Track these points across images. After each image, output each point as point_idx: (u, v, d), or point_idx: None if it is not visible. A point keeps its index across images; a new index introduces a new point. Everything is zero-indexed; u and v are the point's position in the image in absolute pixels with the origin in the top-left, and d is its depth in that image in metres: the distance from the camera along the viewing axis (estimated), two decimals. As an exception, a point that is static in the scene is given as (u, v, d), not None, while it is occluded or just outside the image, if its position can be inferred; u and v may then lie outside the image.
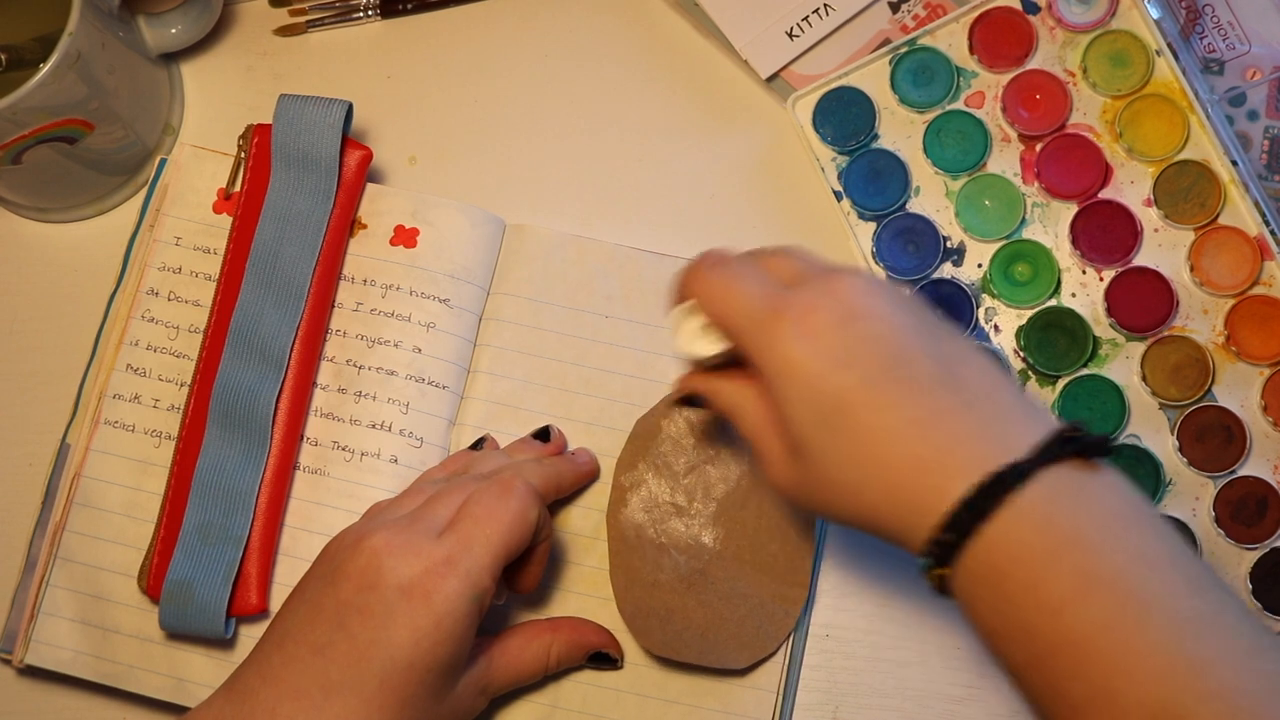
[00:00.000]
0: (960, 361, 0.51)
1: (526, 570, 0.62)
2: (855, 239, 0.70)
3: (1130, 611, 0.45)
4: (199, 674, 0.65)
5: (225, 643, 0.65)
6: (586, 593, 0.66)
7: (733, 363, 0.55)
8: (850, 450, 0.50)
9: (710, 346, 0.55)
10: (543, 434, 0.67)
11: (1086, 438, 0.48)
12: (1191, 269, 0.68)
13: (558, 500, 0.66)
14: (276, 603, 0.65)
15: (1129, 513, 0.48)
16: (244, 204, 0.69)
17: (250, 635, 0.65)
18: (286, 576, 0.65)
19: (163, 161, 0.71)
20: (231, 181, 0.70)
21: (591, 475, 0.67)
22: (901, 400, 0.49)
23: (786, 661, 0.65)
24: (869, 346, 0.50)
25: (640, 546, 0.64)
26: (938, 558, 0.48)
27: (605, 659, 0.64)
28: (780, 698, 0.64)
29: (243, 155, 0.70)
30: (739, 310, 0.53)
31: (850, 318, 0.50)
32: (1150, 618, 0.45)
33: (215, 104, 0.75)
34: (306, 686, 0.55)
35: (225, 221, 0.70)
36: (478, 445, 0.67)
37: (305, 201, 0.68)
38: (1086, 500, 0.47)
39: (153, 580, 0.64)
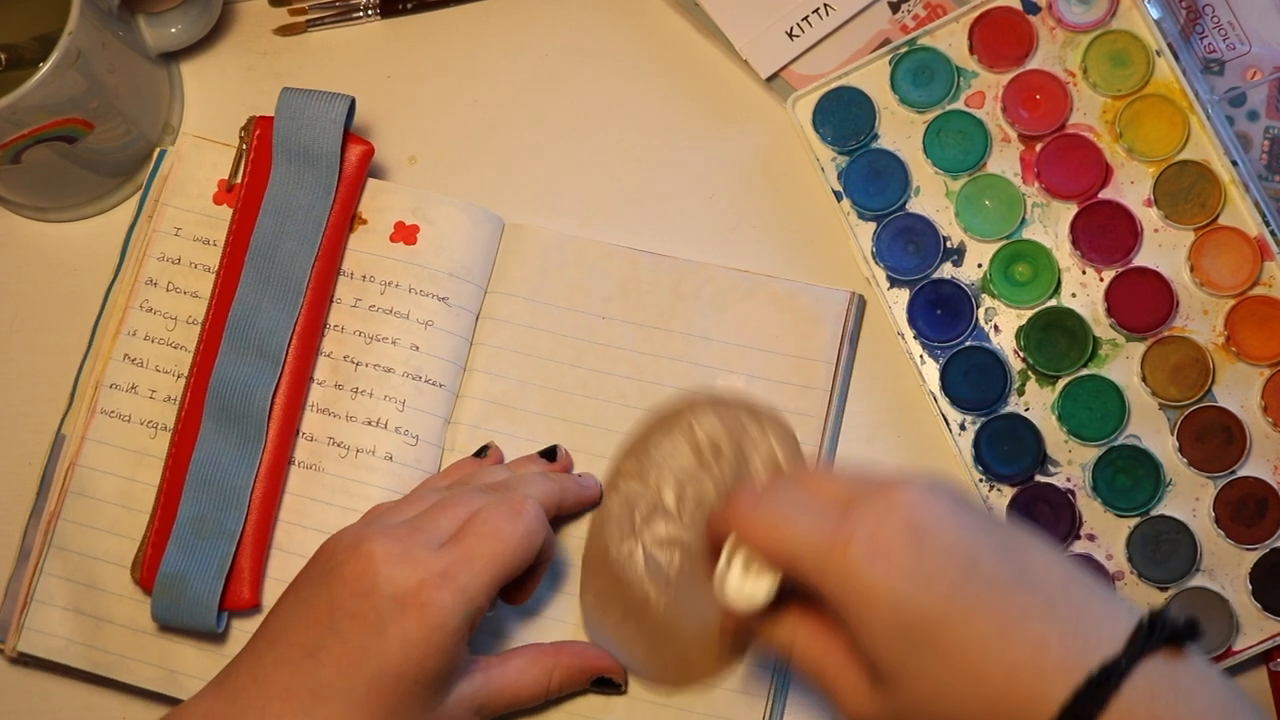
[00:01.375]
0: (1030, 556, 0.50)
1: (523, 586, 0.62)
2: (855, 239, 0.70)
3: None
4: (190, 666, 0.64)
5: (217, 636, 0.65)
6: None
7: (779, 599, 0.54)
8: (941, 669, 0.49)
9: (761, 589, 0.54)
10: (549, 454, 0.67)
11: (1175, 624, 0.48)
12: (1192, 269, 0.68)
13: (557, 520, 0.65)
14: (269, 598, 0.65)
15: (1225, 704, 0.47)
16: (244, 197, 0.69)
17: (242, 629, 0.65)
18: (280, 571, 0.65)
19: (162, 152, 0.71)
20: (233, 173, 0.70)
21: (594, 499, 0.66)
22: (985, 609, 0.48)
23: (778, 665, 0.65)
24: (943, 559, 0.49)
25: (610, 562, 0.64)
26: None
27: (609, 683, 0.64)
28: (770, 703, 0.64)
29: (244, 147, 0.70)
30: (800, 546, 0.51)
31: (919, 532, 0.49)
32: None
33: (215, 103, 0.75)
34: (296, 688, 0.55)
35: (225, 213, 0.70)
36: (481, 453, 0.67)
37: (306, 195, 0.68)
38: (1186, 696, 0.47)
39: (146, 572, 0.64)
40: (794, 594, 0.53)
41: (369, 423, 0.67)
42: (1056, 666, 0.47)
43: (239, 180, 0.69)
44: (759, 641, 0.55)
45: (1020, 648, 0.48)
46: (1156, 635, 0.47)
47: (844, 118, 0.71)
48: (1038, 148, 0.70)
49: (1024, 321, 0.69)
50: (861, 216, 0.70)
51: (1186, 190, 0.69)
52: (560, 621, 0.65)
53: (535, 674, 0.62)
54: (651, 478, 0.64)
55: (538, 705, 0.63)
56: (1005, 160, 0.70)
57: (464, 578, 0.56)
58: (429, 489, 0.64)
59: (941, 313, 0.69)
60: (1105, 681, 0.46)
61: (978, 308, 0.69)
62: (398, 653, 0.55)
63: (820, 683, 0.53)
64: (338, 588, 0.56)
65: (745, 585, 0.54)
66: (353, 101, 0.69)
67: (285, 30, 0.76)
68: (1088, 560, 0.66)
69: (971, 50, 0.71)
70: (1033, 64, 0.71)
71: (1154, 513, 0.66)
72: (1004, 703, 0.48)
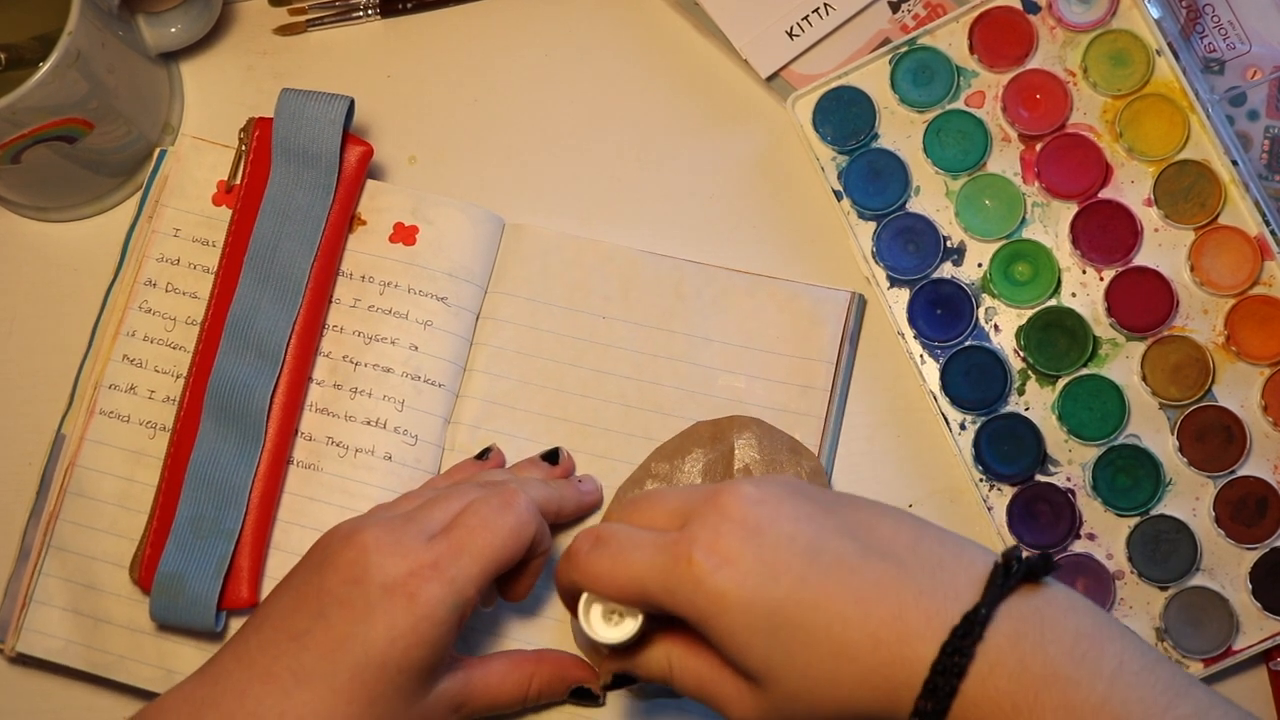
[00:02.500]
0: (874, 526, 0.51)
1: (518, 581, 0.62)
2: (855, 239, 0.70)
3: None
4: (190, 666, 0.64)
5: (216, 635, 0.65)
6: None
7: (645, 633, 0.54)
8: (808, 656, 0.49)
9: (625, 628, 0.53)
10: (551, 456, 0.67)
11: (1029, 561, 0.48)
12: (1192, 269, 0.68)
13: (556, 525, 0.65)
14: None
15: (1092, 630, 0.48)
16: (243, 197, 0.69)
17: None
18: (278, 570, 0.65)
19: (162, 153, 0.71)
20: (233, 174, 0.70)
21: (595, 505, 0.66)
22: (838, 587, 0.49)
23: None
24: (786, 550, 0.50)
25: None
26: None
27: (587, 695, 0.64)
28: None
29: (243, 149, 0.70)
30: (644, 578, 0.51)
31: (755, 530, 0.50)
32: None
33: (215, 103, 0.75)
34: (279, 671, 0.54)
35: (225, 214, 0.70)
36: (483, 455, 0.67)
37: (305, 196, 0.68)
38: (1051, 630, 0.47)
39: (144, 571, 0.64)
40: (660, 619, 0.53)
41: (368, 422, 0.67)
42: (920, 627, 0.48)
43: (238, 181, 0.69)
44: (638, 673, 0.55)
45: (879, 616, 0.48)
46: (1012, 576, 0.48)
47: (844, 117, 0.71)
48: (1038, 147, 0.70)
49: (1024, 321, 0.69)
50: (861, 216, 0.70)
51: (1186, 190, 0.69)
52: (558, 620, 0.65)
53: (515, 679, 0.62)
54: (677, 482, 0.64)
55: (515, 711, 0.63)
56: (1005, 160, 0.70)
57: (453, 569, 0.56)
58: (429, 487, 0.64)
59: (941, 312, 0.69)
60: (969, 631, 0.47)
61: (978, 307, 0.69)
62: (383, 641, 0.54)
63: (705, 698, 0.53)
64: (329, 574, 0.56)
65: (609, 629, 0.53)
66: (352, 102, 0.69)
67: (285, 30, 0.76)
68: (1088, 560, 0.66)
69: (971, 50, 0.71)
70: (1033, 63, 0.71)
71: (1154, 512, 0.66)
72: (875, 674, 0.48)
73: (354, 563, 0.56)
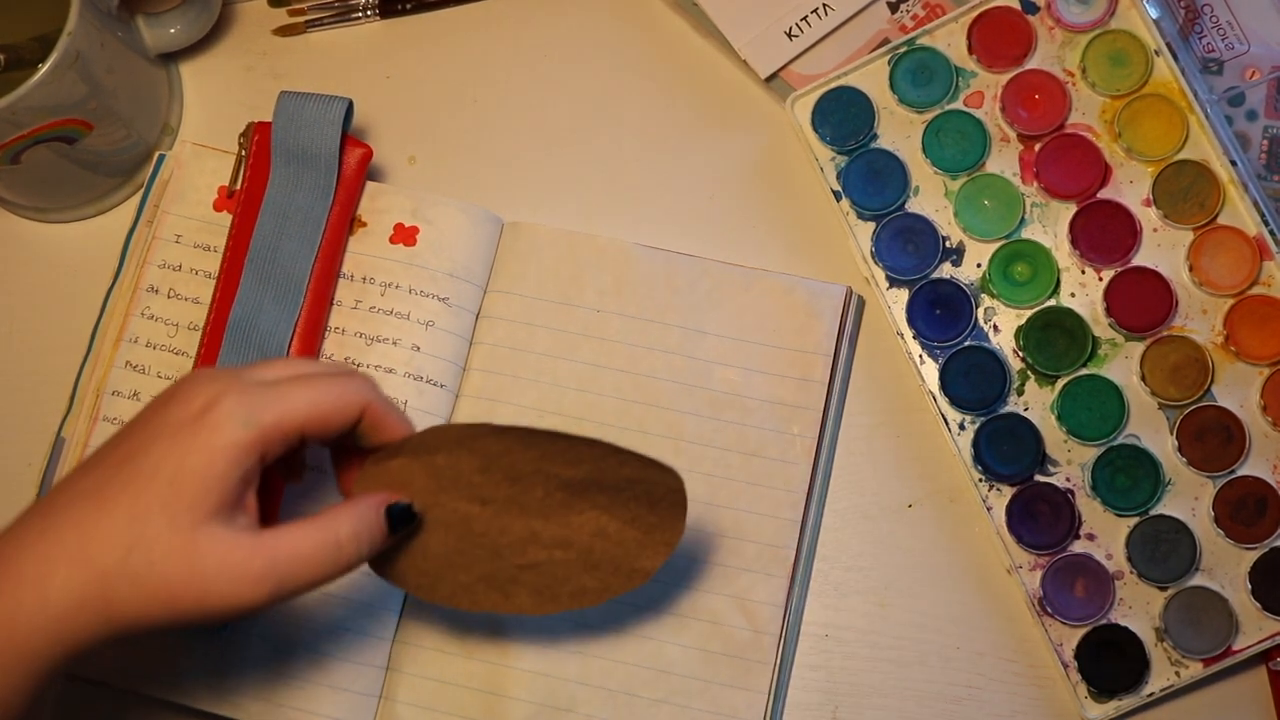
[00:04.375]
0: None
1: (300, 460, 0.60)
2: (854, 239, 0.70)
3: None
4: (191, 668, 0.64)
5: (217, 637, 0.65)
6: None
7: None
8: None
9: None
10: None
11: None
12: (1190, 269, 0.68)
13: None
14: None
15: None
16: (244, 201, 0.69)
17: (243, 629, 0.65)
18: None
19: (161, 157, 0.71)
20: (234, 179, 0.70)
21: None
22: None
23: (777, 663, 0.65)
24: None
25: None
26: None
27: (406, 514, 0.58)
28: (771, 698, 0.64)
29: (243, 153, 0.70)
30: None
31: None
32: None
33: (214, 104, 0.75)
34: (55, 497, 0.53)
35: (226, 219, 0.70)
36: None
37: (305, 198, 0.68)
38: None
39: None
40: None
41: (370, 424, 0.67)
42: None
43: (239, 186, 0.69)
44: None
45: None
46: None
47: (843, 118, 0.71)
48: (1037, 147, 0.70)
49: (1023, 321, 0.69)
50: (860, 216, 0.70)
51: (1185, 190, 0.69)
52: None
53: (317, 527, 0.54)
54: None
55: (335, 573, 0.55)
56: (1004, 160, 0.70)
57: (255, 395, 0.53)
58: None
59: (941, 312, 0.69)
60: None
61: (977, 307, 0.69)
62: (162, 453, 0.52)
63: None
64: (138, 415, 0.55)
65: None
66: (350, 104, 0.69)
67: (284, 31, 0.76)
68: (1087, 560, 0.66)
69: (970, 50, 0.71)
70: (1031, 64, 0.71)
71: (1153, 512, 0.67)
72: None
73: (153, 403, 0.54)
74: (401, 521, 0.58)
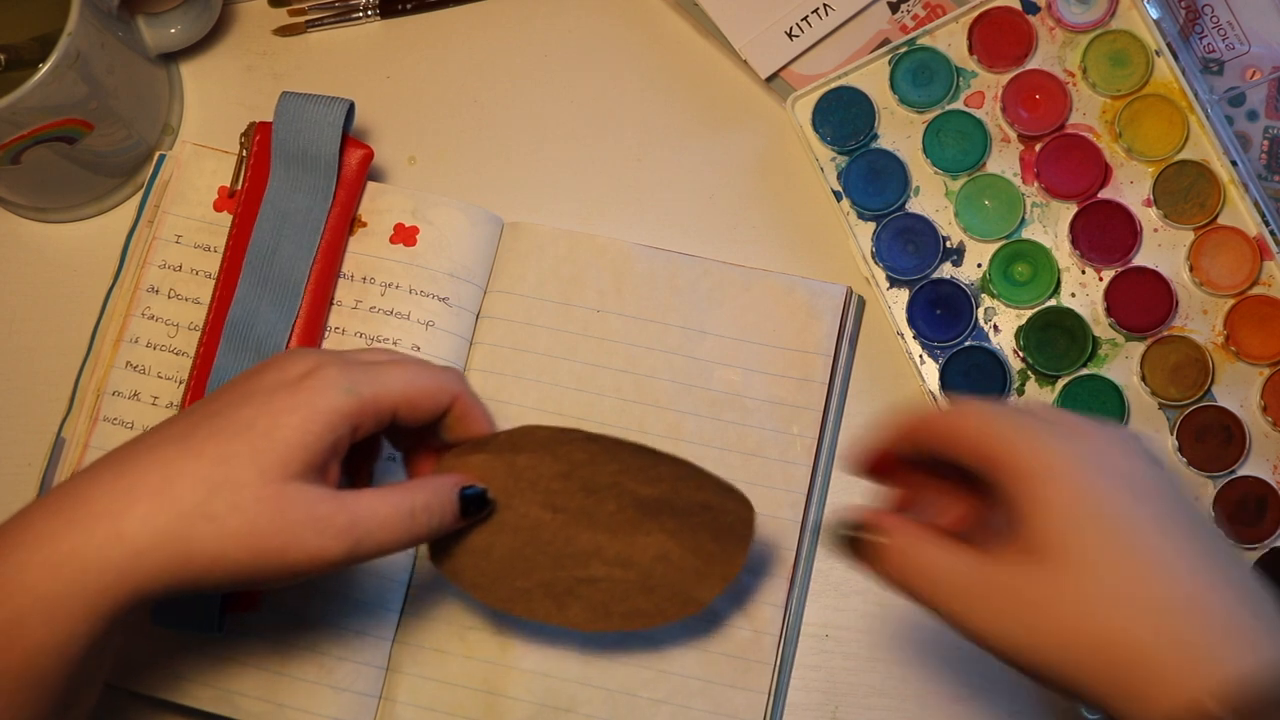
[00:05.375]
0: (1225, 546, 0.48)
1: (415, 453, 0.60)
2: (855, 239, 0.70)
3: None
4: (194, 669, 0.64)
5: (218, 638, 0.65)
6: None
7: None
8: (1138, 578, 0.46)
9: None
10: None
11: None
12: (1191, 269, 0.68)
13: None
14: (269, 601, 0.65)
15: None
16: (244, 201, 0.69)
17: (243, 629, 0.65)
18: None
19: (161, 157, 0.71)
20: (234, 180, 0.70)
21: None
22: (1191, 549, 0.46)
23: (777, 663, 0.65)
24: (1158, 490, 0.48)
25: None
26: None
27: (479, 500, 0.58)
28: (771, 698, 0.64)
29: (244, 153, 0.70)
30: (1010, 429, 0.49)
31: (1140, 456, 0.49)
32: None
33: (214, 104, 0.75)
34: (134, 447, 0.52)
35: (226, 220, 0.70)
36: None
37: (304, 199, 0.68)
38: None
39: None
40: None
41: (370, 424, 0.67)
42: (1252, 637, 0.45)
43: (240, 187, 0.69)
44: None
45: (1217, 599, 0.45)
46: None
47: (843, 118, 0.71)
48: (1037, 147, 0.70)
49: (1023, 321, 0.69)
50: (861, 216, 0.70)
51: (1186, 190, 0.69)
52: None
53: (394, 500, 0.55)
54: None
55: (404, 544, 0.56)
56: (1005, 160, 0.70)
57: (357, 370, 0.54)
58: None
59: (941, 313, 0.69)
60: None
61: (977, 308, 0.69)
62: (258, 406, 0.52)
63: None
64: (240, 379, 0.54)
65: None
66: (351, 105, 0.69)
67: (285, 31, 0.76)
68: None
69: (971, 50, 0.71)
70: (1032, 64, 0.71)
71: (1154, 512, 0.66)
72: (1179, 633, 0.45)
73: (258, 368, 0.54)
74: (474, 506, 0.58)
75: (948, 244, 0.70)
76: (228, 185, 0.70)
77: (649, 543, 0.61)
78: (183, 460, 0.50)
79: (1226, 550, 0.48)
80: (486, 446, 0.59)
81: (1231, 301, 0.68)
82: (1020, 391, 0.68)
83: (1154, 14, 0.70)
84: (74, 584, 0.48)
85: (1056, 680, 0.47)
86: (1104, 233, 0.69)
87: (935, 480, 0.55)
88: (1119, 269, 0.69)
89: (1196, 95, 0.69)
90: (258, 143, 0.69)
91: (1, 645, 0.47)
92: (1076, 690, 0.47)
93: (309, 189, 0.68)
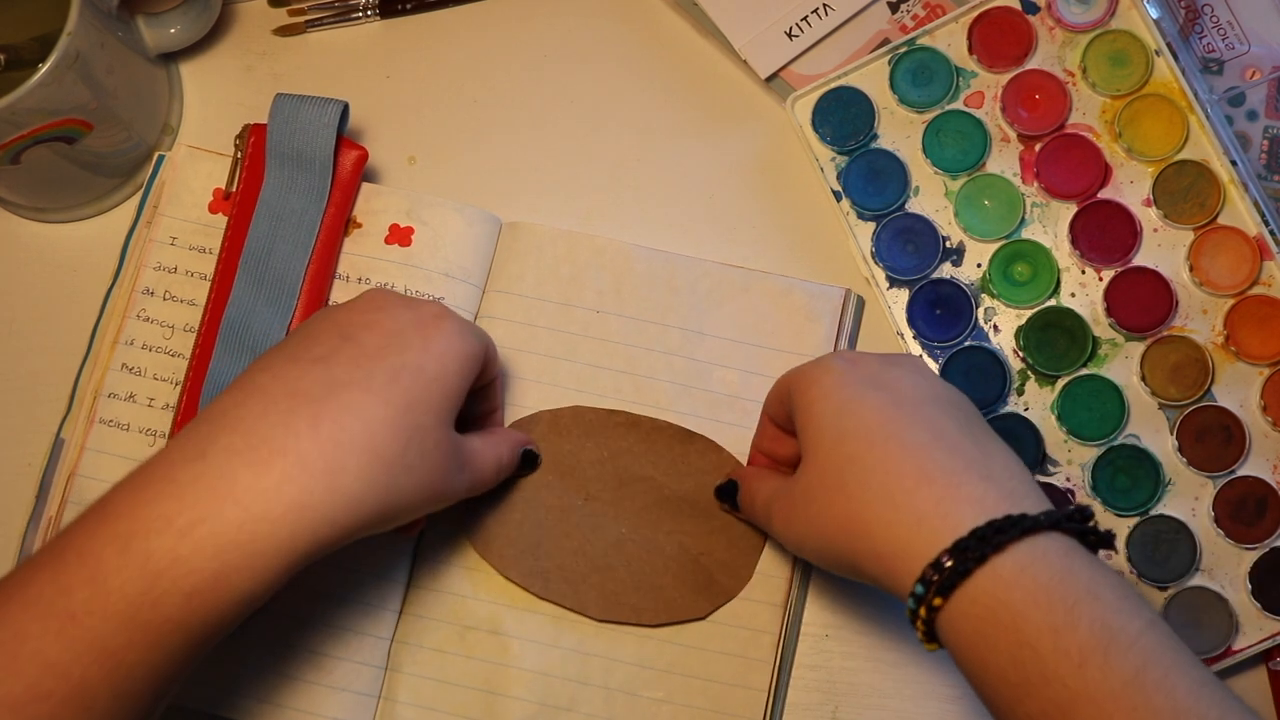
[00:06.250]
0: (990, 443, 0.53)
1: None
2: (855, 239, 0.70)
3: (1151, 674, 0.45)
4: (193, 671, 0.64)
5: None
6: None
7: None
8: (878, 464, 0.51)
9: None
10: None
11: (1096, 527, 0.50)
12: (1191, 269, 0.68)
13: None
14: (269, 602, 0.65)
15: (1135, 591, 0.49)
16: (239, 203, 0.69)
17: (242, 631, 0.64)
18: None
19: (161, 157, 0.71)
20: (230, 181, 0.70)
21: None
22: (933, 441, 0.51)
23: (777, 661, 0.65)
24: (924, 396, 0.53)
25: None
26: (938, 586, 0.48)
27: (531, 459, 0.65)
28: (771, 697, 0.64)
29: (239, 155, 0.70)
30: (802, 366, 0.57)
31: (916, 373, 0.55)
32: (1171, 682, 0.45)
33: (214, 104, 0.75)
34: (305, 387, 0.52)
35: (222, 221, 0.70)
36: None
37: (299, 200, 0.68)
38: (1100, 566, 0.48)
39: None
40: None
41: (369, 424, 0.67)
42: (977, 504, 0.49)
43: (234, 188, 0.69)
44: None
45: (953, 481, 0.50)
46: (1078, 524, 0.49)
47: (843, 118, 0.71)
48: (1037, 147, 0.70)
49: (1023, 321, 0.69)
50: (861, 216, 0.70)
51: (1185, 190, 0.69)
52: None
53: (491, 448, 0.61)
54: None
55: (485, 489, 0.62)
56: (1004, 160, 0.70)
57: (458, 317, 0.58)
58: None
59: (941, 313, 0.69)
60: (1021, 524, 0.48)
61: (977, 308, 0.69)
62: (419, 348, 0.55)
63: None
64: (339, 316, 0.56)
65: None
66: (346, 106, 0.69)
67: (284, 31, 0.76)
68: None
69: (971, 50, 0.71)
70: (1032, 64, 0.71)
71: (1153, 512, 0.66)
72: (917, 510, 0.49)
73: (369, 304, 0.56)
74: (526, 465, 0.65)
75: (947, 244, 0.70)
76: (223, 187, 0.70)
77: (667, 542, 0.65)
78: (375, 407, 0.52)
79: (977, 434, 0.53)
80: (535, 425, 0.66)
81: (1231, 301, 0.68)
82: (1020, 391, 0.68)
83: (1154, 14, 0.70)
84: (282, 540, 0.49)
85: (843, 568, 0.53)
86: (1104, 232, 0.69)
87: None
88: (1119, 269, 0.68)
89: (1196, 95, 0.69)
90: (252, 144, 0.69)
91: (210, 596, 0.48)
92: (858, 574, 0.52)
93: (304, 190, 0.68)
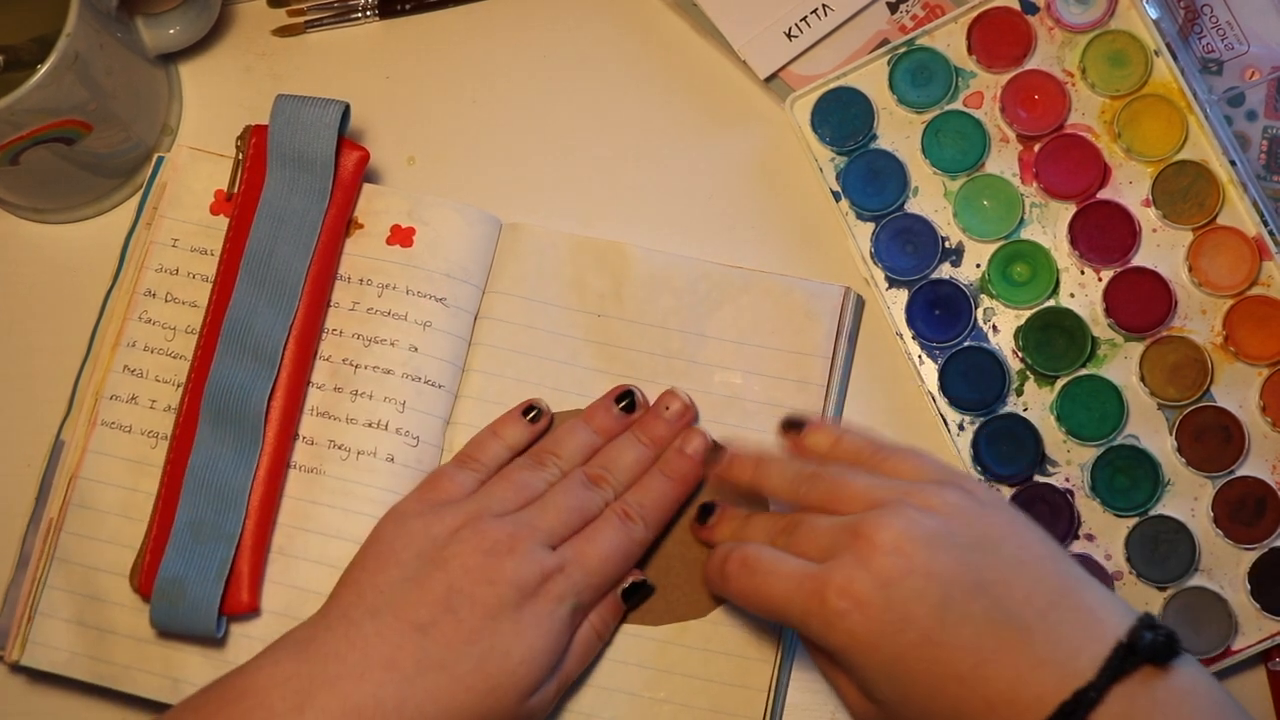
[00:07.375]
0: (1009, 583, 0.52)
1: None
2: (854, 239, 0.70)
3: None
4: (195, 674, 0.64)
5: (217, 641, 0.65)
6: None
7: None
8: (926, 704, 0.52)
9: None
10: (627, 402, 0.67)
11: (1155, 643, 0.50)
12: (1190, 269, 0.68)
13: None
14: (269, 601, 0.65)
15: (1207, 712, 0.49)
16: (240, 204, 0.69)
17: (242, 633, 0.65)
18: (282, 575, 0.65)
19: (160, 158, 0.71)
20: (231, 183, 0.70)
21: (696, 475, 0.66)
22: (961, 646, 0.51)
23: (777, 662, 0.65)
24: (916, 604, 0.52)
25: None
26: None
27: (640, 588, 0.64)
28: (771, 696, 0.64)
29: (240, 156, 0.70)
30: (784, 605, 0.55)
31: (889, 582, 0.53)
32: None
33: (214, 105, 0.75)
34: (402, 660, 0.56)
35: (223, 223, 0.70)
36: (532, 416, 0.67)
37: (300, 201, 0.68)
38: (1162, 715, 0.49)
39: (144, 578, 0.64)
40: None
41: (369, 425, 0.67)
42: (1031, 700, 0.49)
43: (236, 190, 0.69)
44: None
45: (995, 682, 0.50)
46: (1133, 658, 0.49)
47: (842, 118, 0.71)
48: (1036, 148, 0.70)
49: (1022, 321, 0.69)
50: (860, 217, 0.70)
51: (1185, 190, 0.69)
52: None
53: (586, 630, 0.63)
54: None
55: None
56: (1004, 160, 0.70)
57: (578, 577, 0.60)
58: (520, 471, 0.64)
59: (940, 313, 0.69)
60: (1074, 711, 0.49)
61: (976, 308, 0.69)
62: (511, 634, 0.57)
63: (832, 685, 0.59)
64: (457, 574, 0.58)
65: None
66: (347, 107, 0.69)
67: (284, 31, 0.76)
68: (1086, 560, 0.66)
69: (970, 50, 0.71)
70: (1031, 64, 0.71)
71: (1153, 513, 0.66)
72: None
73: (485, 564, 0.58)
74: (636, 594, 0.64)
75: (947, 244, 0.70)
76: (224, 189, 0.70)
77: (668, 543, 0.66)
78: (458, 695, 0.56)
79: (1016, 599, 0.52)
80: None
81: (1230, 302, 0.68)
82: (1019, 392, 0.68)
83: (1153, 14, 0.70)
84: None
85: None
86: (1103, 233, 0.69)
87: None
88: (1118, 269, 0.68)
89: (1195, 95, 0.69)
90: (253, 146, 0.69)
91: None
92: None
93: (305, 191, 0.68)
